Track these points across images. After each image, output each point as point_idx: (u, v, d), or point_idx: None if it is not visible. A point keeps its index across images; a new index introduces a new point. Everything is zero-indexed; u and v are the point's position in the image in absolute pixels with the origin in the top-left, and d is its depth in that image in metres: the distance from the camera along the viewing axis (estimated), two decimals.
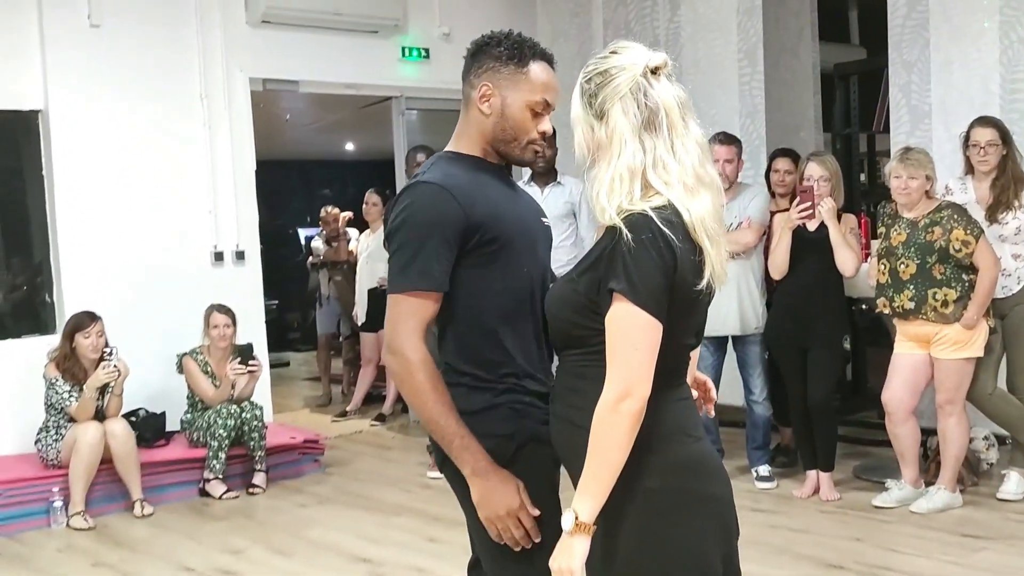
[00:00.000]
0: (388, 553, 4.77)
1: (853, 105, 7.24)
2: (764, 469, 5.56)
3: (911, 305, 4.88)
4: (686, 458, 2.08)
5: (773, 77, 7.13)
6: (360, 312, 8.03)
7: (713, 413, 2.49)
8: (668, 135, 2.05)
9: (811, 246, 5.24)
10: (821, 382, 5.24)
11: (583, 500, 1.97)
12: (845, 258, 5.16)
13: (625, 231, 1.97)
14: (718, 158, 5.48)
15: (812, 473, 5.33)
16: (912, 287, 4.88)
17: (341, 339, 9.01)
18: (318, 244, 9.05)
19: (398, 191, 2.38)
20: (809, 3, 7.29)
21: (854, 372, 7.10)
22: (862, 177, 7.99)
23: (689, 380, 2.25)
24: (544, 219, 2.49)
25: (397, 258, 2.22)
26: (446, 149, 2.41)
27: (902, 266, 4.91)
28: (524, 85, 2.30)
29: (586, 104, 2.09)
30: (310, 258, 9.22)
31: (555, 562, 1.99)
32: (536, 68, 2.32)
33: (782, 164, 5.75)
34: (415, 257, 2.19)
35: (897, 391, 5.04)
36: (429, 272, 2.19)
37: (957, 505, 4.98)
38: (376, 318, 7.61)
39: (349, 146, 12.61)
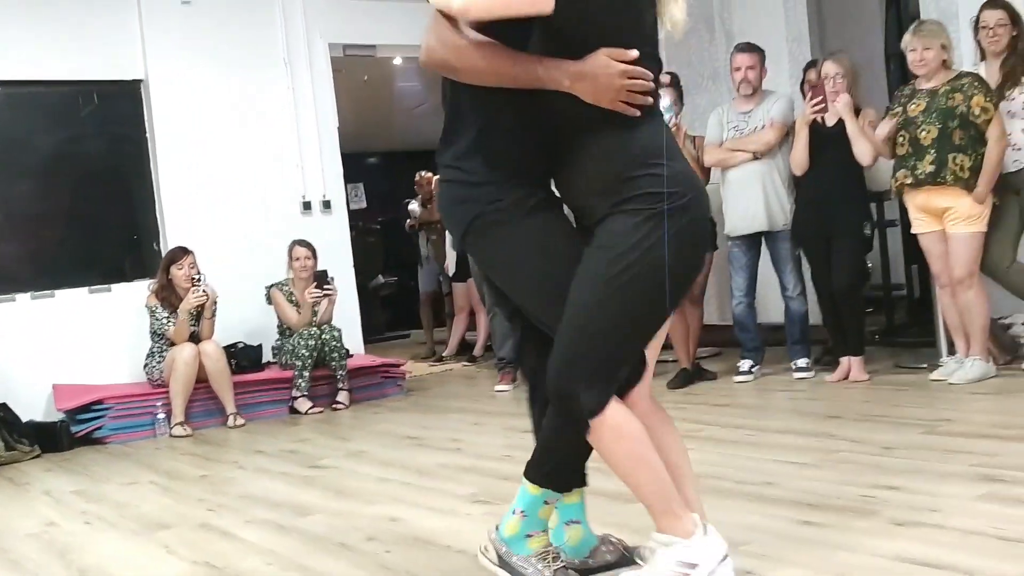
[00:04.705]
0: (434, 433, 5.28)
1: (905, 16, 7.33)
2: (802, 362, 5.78)
3: (932, 169, 5.01)
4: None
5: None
6: (450, 264, 8.58)
7: None
8: None
9: (829, 140, 5.49)
10: (845, 269, 5.46)
11: None
12: (862, 149, 5.39)
13: None
14: (740, 66, 5.80)
15: (844, 359, 5.54)
16: (933, 151, 5.02)
17: (445, 295, 9.56)
18: (414, 207, 9.64)
19: None
20: None
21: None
22: None
23: None
24: None
25: None
26: None
27: (923, 133, 5.06)
28: None
29: None
30: (408, 220, 9.81)
31: None
32: None
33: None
34: None
35: (941, 264, 5.19)
36: None
37: (992, 374, 5.06)
38: (465, 270, 8.12)
39: None
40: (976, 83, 5.02)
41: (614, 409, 2.29)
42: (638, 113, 2.24)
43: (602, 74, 2.19)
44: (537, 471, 2.51)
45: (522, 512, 2.53)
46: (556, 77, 2.22)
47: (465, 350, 8.85)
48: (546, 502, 2.54)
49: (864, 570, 2.53)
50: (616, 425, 2.29)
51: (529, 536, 2.54)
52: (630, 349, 2.36)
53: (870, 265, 7.36)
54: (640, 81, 2.21)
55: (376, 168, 13.66)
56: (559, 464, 2.52)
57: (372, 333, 11.01)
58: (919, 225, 5.24)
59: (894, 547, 2.67)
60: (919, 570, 2.49)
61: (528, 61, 2.24)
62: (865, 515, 3.00)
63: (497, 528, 2.57)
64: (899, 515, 2.96)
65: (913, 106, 5.16)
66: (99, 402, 6.12)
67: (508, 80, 2.27)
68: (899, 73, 7.46)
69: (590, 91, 2.22)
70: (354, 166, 12.77)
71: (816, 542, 2.81)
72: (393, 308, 12.47)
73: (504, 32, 2.26)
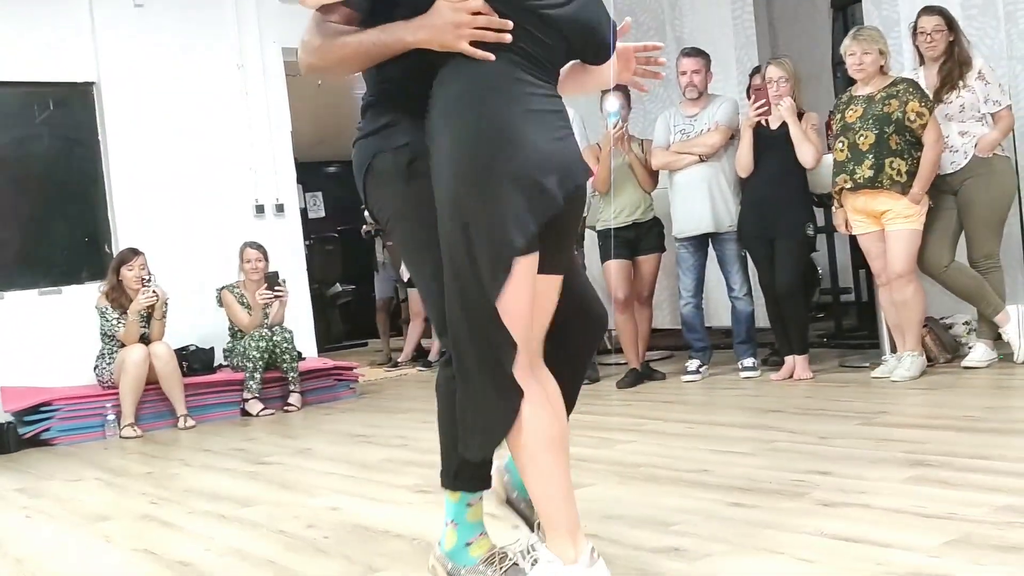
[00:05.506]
0: (382, 431, 5.31)
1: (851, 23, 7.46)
2: (749, 361, 5.85)
3: (870, 173, 5.10)
4: None
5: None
6: (405, 269, 8.60)
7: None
8: None
9: (773, 143, 5.58)
10: (788, 269, 5.54)
11: None
12: (805, 151, 5.49)
13: None
14: (685, 70, 5.88)
15: (789, 358, 5.62)
16: (872, 156, 5.11)
17: (401, 302, 9.58)
18: None
19: None
20: None
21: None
22: None
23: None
24: None
25: None
26: None
27: (861, 138, 5.15)
28: None
29: None
30: (364, 227, 9.82)
31: None
32: None
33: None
34: None
35: (880, 263, 5.27)
36: None
37: (924, 368, 5.17)
38: None
39: None
40: (911, 88, 5.13)
41: (526, 405, 2.15)
42: (492, 56, 2.13)
43: (435, 14, 2.15)
44: (447, 477, 2.45)
45: (453, 522, 2.47)
46: (399, 35, 2.18)
47: (421, 356, 8.88)
48: (469, 504, 2.46)
49: (786, 545, 2.59)
50: (519, 421, 2.15)
51: (469, 544, 2.46)
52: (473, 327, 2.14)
53: (821, 271, 7.50)
54: (483, 16, 2.11)
55: (335, 177, 13.67)
56: (463, 462, 2.37)
57: (330, 341, 11.06)
58: (858, 226, 5.33)
59: (818, 524, 2.72)
60: (838, 544, 2.55)
61: (373, 32, 2.20)
62: (794, 497, 3.05)
63: (440, 544, 2.50)
64: (827, 497, 3.02)
65: (851, 112, 5.26)
66: (47, 403, 6.09)
67: (364, 57, 2.23)
68: (846, 79, 7.58)
69: (432, 37, 2.16)
70: (313, 175, 12.85)
71: (743, 521, 2.86)
72: (351, 316, 12.48)
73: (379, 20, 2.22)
